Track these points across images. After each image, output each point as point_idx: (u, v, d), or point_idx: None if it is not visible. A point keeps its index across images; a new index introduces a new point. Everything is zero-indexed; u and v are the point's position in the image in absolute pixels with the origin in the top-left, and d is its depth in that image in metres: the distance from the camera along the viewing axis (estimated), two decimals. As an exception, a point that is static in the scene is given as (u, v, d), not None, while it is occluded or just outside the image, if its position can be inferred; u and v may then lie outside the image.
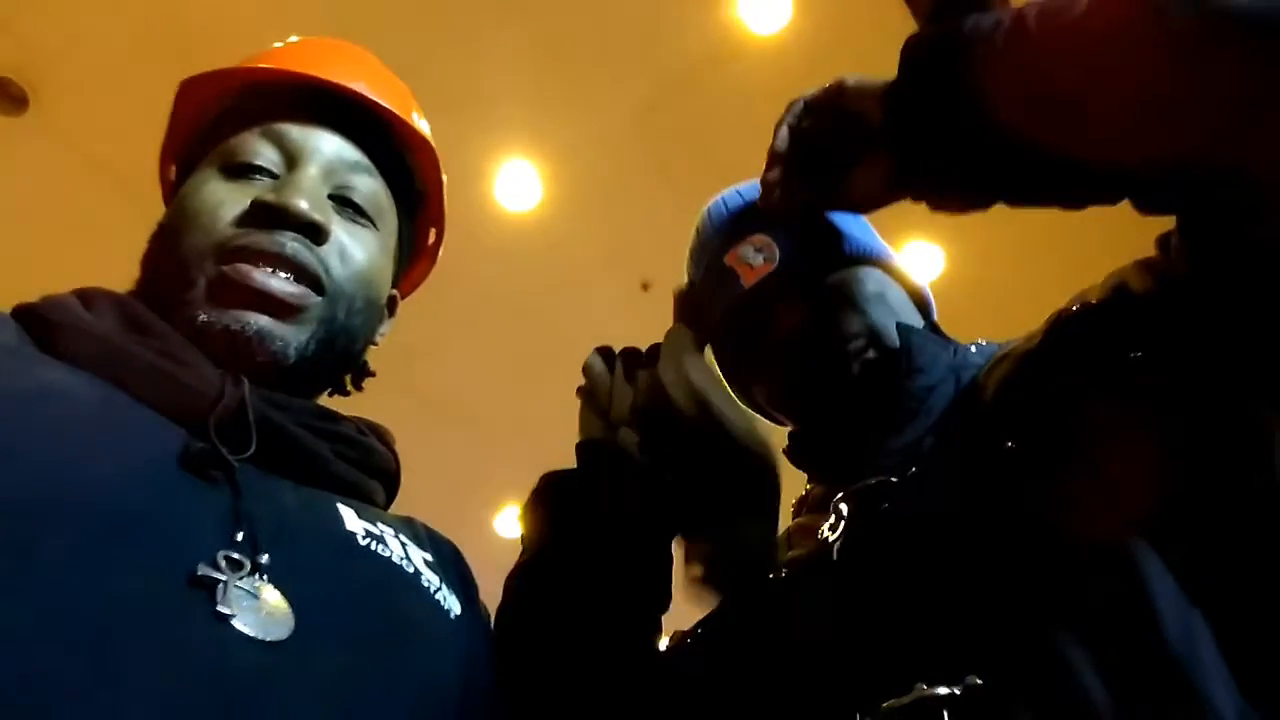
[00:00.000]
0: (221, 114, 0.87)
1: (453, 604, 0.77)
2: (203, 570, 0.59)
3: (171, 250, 0.78)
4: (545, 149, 3.44)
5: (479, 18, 3.09)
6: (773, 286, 0.99)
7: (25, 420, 0.61)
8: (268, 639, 0.59)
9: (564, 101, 3.31)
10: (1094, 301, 0.81)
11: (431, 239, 1.01)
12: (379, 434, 0.86)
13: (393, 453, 0.87)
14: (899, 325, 0.94)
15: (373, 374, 0.91)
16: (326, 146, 0.84)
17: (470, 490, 4.24)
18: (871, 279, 1.00)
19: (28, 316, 0.73)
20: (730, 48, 3.21)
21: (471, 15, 3.08)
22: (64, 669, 0.51)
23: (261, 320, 0.75)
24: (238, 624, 0.58)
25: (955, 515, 0.73)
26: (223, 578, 0.59)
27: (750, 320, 1.00)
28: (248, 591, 0.60)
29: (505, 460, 4.21)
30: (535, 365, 3.94)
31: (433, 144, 0.92)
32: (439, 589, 0.76)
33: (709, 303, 1.05)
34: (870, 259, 1.02)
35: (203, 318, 0.74)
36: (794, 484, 0.99)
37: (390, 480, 0.85)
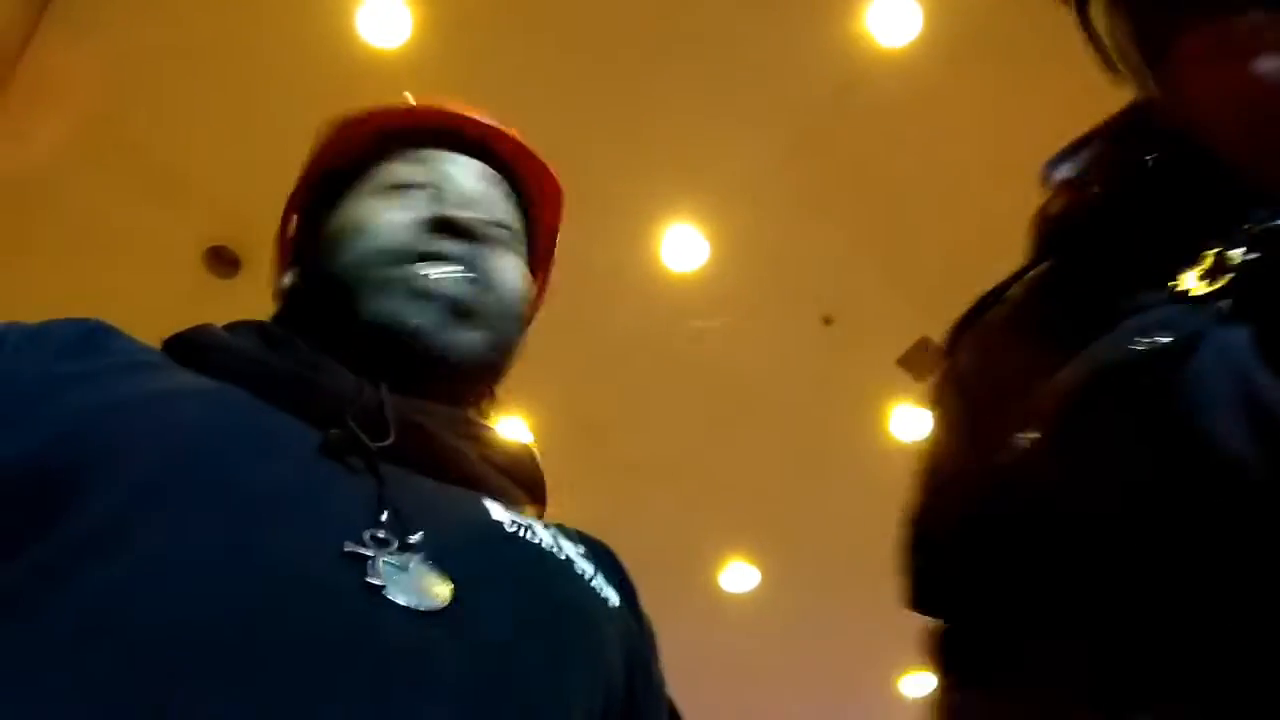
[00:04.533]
0: (359, 159, 0.89)
1: (609, 594, 0.75)
2: (350, 546, 0.59)
3: (343, 258, 0.80)
4: (703, 207, 3.50)
5: (611, 97, 3.22)
6: None
7: (169, 412, 0.64)
8: (419, 609, 0.59)
9: (712, 156, 3.37)
10: None
11: (542, 280, 1.01)
12: (522, 445, 0.85)
13: (536, 464, 0.85)
14: None
15: (496, 398, 0.90)
16: (471, 169, 0.87)
17: (690, 549, 4.27)
18: None
19: (174, 342, 0.76)
20: (863, 67, 3.19)
21: (604, 95, 3.21)
22: (219, 634, 0.53)
23: (434, 318, 0.77)
24: (390, 595, 0.58)
25: None
26: (371, 553, 0.59)
27: None
28: (397, 566, 0.60)
29: (718, 515, 4.22)
30: (730, 416, 3.96)
31: (559, 184, 0.95)
32: (594, 577, 0.74)
33: None
34: None
35: (379, 310, 0.76)
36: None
37: (537, 491, 0.84)
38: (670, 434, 3.98)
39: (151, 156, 3.27)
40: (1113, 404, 0.58)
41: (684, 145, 3.33)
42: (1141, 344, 0.57)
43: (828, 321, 3.61)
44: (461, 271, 0.79)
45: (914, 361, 3.63)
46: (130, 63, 3.12)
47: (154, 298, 3.44)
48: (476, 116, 0.91)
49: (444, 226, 0.80)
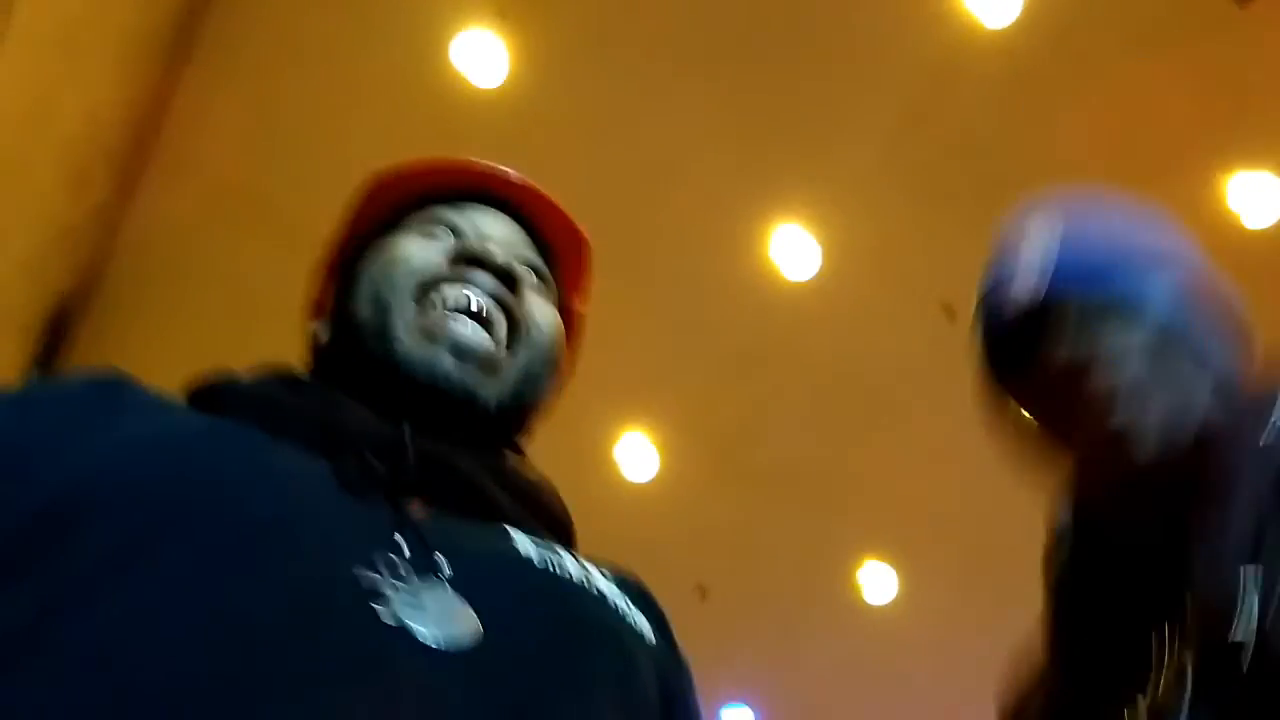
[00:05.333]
0: (389, 218, 0.90)
1: (641, 625, 0.72)
2: (362, 575, 0.58)
3: (371, 295, 0.81)
4: (811, 206, 3.47)
5: (712, 106, 3.23)
6: (1037, 311, 0.99)
7: (177, 447, 0.64)
8: (439, 641, 0.57)
9: (816, 153, 3.34)
10: None
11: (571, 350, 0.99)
12: (549, 485, 0.84)
13: (563, 505, 0.84)
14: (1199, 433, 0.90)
15: (523, 452, 0.89)
16: (504, 226, 0.88)
17: (825, 555, 4.21)
18: (1144, 330, 0.96)
19: (194, 389, 0.77)
20: (966, 48, 3.11)
21: (705, 105, 3.22)
22: (226, 665, 0.52)
23: (462, 366, 0.76)
24: (406, 623, 0.57)
25: None
26: (383, 582, 0.58)
27: (1013, 341, 1.02)
28: (411, 595, 0.59)
29: (852, 519, 4.15)
30: (857, 418, 3.90)
31: (584, 238, 0.95)
32: (624, 608, 0.72)
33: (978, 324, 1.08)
34: (1154, 312, 0.98)
35: (401, 349, 0.76)
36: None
37: (564, 529, 0.81)
38: (798, 440, 3.94)
39: (282, 212, 3.44)
40: None
41: (788, 146, 3.31)
42: None
43: (950, 312, 3.52)
44: (491, 302, 0.79)
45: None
46: (259, 126, 3.31)
47: (287, 344, 3.61)
48: (502, 172, 0.91)
49: (472, 260, 0.81)
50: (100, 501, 0.59)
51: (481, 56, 3.13)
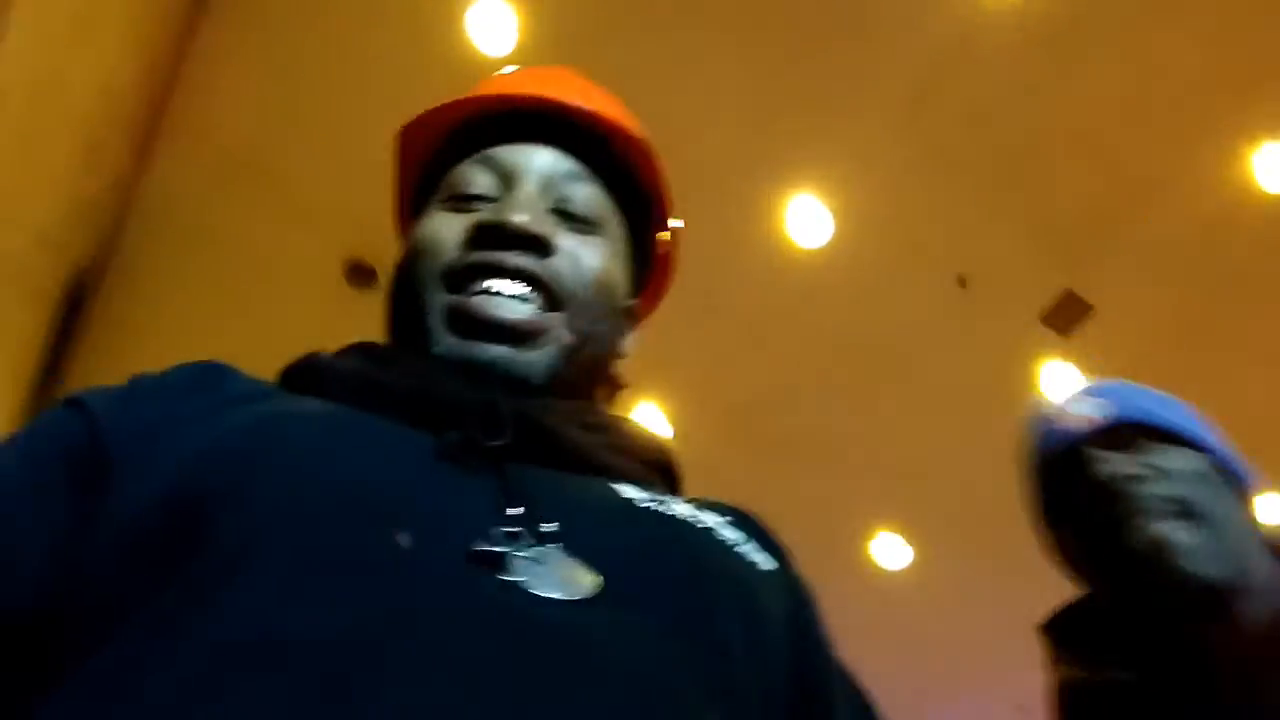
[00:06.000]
0: (440, 156, 0.88)
1: (759, 559, 0.72)
2: (480, 545, 0.58)
3: (404, 285, 0.80)
4: (825, 176, 3.45)
5: (725, 76, 3.20)
6: (1094, 436, 1.06)
7: (282, 434, 0.65)
8: (564, 598, 0.58)
9: (830, 123, 3.32)
10: None
11: (664, 247, 0.95)
12: (640, 428, 0.82)
13: (658, 443, 0.82)
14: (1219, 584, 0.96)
15: (623, 387, 0.89)
16: (540, 162, 0.83)
17: (838, 523, 4.23)
18: (1194, 462, 1.03)
19: (286, 374, 0.77)
20: (982, 17, 3.08)
21: (717, 75, 3.20)
22: (354, 639, 0.52)
23: (500, 350, 0.75)
24: (530, 588, 0.57)
25: None
26: (503, 549, 0.59)
27: (1067, 465, 1.08)
28: (533, 559, 0.59)
29: (865, 488, 4.16)
30: (871, 387, 3.90)
31: (650, 145, 0.89)
32: (740, 544, 0.72)
33: (1036, 449, 1.15)
34: (1202, 449, 1.05)
35: (439, 349, 0.75)
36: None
37: (670, 473, 0.80)
38: (811, 409, 3.95)
39: (296, 180, 3.45)
40: None
41: (801, 114, 3.28)
42: None
43: (963, 283, 3.51)
44: (521, 297, 0.77)
45: (1059, 317, 3.49)
46: (273, 94, 3.31)
47: (301, 313, 3.63)
48: (537, 93, 0.86)
49: (500, 234, 0.78)
50: (220, 490, 0.60)
51: (495, 24, 3.12)
